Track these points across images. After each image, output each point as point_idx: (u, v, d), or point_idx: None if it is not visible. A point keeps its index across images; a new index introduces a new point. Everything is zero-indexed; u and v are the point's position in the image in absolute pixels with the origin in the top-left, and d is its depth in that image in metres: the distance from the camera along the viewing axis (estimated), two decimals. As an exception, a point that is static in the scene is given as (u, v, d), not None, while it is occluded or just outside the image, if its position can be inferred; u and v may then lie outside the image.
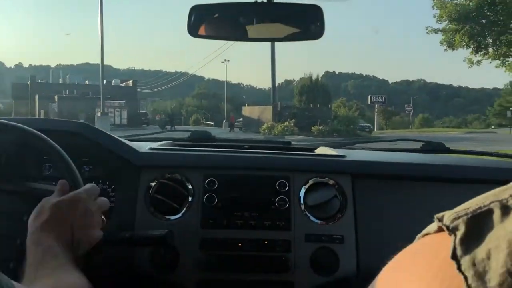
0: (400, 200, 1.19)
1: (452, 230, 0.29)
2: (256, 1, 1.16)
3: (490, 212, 0.29)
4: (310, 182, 1.19)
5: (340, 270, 1.13)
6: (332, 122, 26.80)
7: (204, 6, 1.23)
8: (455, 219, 0.30)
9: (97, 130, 1.24)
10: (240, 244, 1.13)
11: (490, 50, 19.39)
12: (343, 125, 25.99)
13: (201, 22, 1.20)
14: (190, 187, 1.18)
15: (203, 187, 1.17)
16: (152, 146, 1.29)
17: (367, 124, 36.23)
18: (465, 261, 0.28)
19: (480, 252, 0.27)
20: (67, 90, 40.59)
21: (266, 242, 1.14)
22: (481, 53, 19.43)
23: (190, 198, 1.17)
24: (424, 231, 0.33)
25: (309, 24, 1.20)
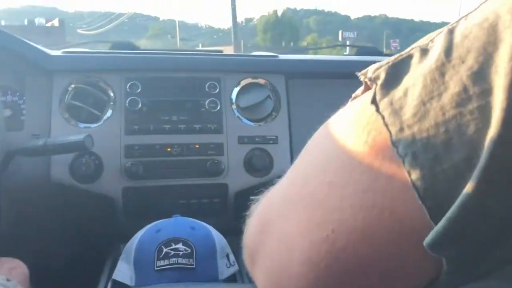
0: (333, 99, 1.16)
1: (374, 80, 0.29)
2: None
3: (410, 57, 0.28)
4: (242, 83, 1.13)
5: (274, 170, 1.10)
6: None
7: None
8: (377, 69, 0.29)
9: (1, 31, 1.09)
10: (169, 149, 1.07)
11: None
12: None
13: None
14: (110, 91, 1.08)
15: (125, 91, 1.08)
16: (67, 50, 1.15)
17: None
18: (383, 102, 0.27)
19: (397, 92, 0.27)
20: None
21: (197, 146, 1.08)
22: None
23: (111, 103, 1.07)
24: (353, 95, 0.32)
25: None
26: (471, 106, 0.24)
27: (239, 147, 1.10)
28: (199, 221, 0.98)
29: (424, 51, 0.28)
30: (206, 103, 1.10)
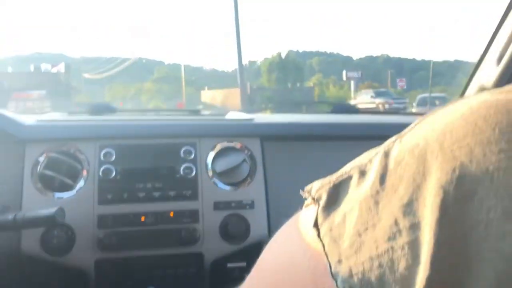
0: (310, 161, 1.17)
1: (317, 200, 0.30)
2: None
3: (350, 178, 0.29)
4: (218, 147, 1.13)
5: (251, 236, 1.08)
6: (319, 105, 23.06)
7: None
8: (319, 189, 0.30)
9: None
10: (143, 218, 1.05)
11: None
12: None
13: None
14: (84, 160, 1.07)
15: (99, 159, 1.07)
16: (40, 118, 1.15)
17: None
18: (324, 228, 0.28)
19: (337, 217, 0.28)
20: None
21: (171, 214, 1.06)
22: None
23: (84, 172, 1.06)
24: (306, 202, 0.33)
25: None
26: (401, 241, 0.24)
27: (214, 213, 1.08)
28: None
29: (362, 173, 0.29)
30: (181, 169, 1.09)
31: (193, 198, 1.08)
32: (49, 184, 1.04)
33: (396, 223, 0.25)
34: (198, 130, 1.15)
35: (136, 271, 1.04)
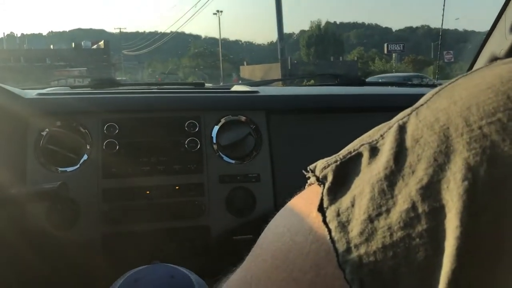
0: (315, 134, 1.15)
1: (322, 181, 0.27)
2: None
3: (359, 156, 0.26)
4: (222, 120, 1.11)
5: (257, 210, 1.07)
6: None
7: None
8: (324, 168, 0.27)
9: None
10: (148, 192, 1.04)
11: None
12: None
13: None
14: (87, 134, 1.05)
15: (102, 133, 1.05)
16: (41, 92, 1.13)
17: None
18: (330, 211, 0.25)
19: (345, 200, 0.25)
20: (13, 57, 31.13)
21: (177, 187, 1.05)
22: None
23: (88, 146, 1.05)
24: (309, 181, 0.30)
25: None
26: (419, 228, 0.22)
27: (220, 186, 1.07)
28: (179, 268, 0.95)
29: (374, 150, 0.26)
30: (186, 142, 1.07)
31: (198, 172, 1.07)
32: (53, 158, 1.03)
33: (414, 207, 0.22)
34: (202, 103, 1.13)
35: (142, 244, 1.04)
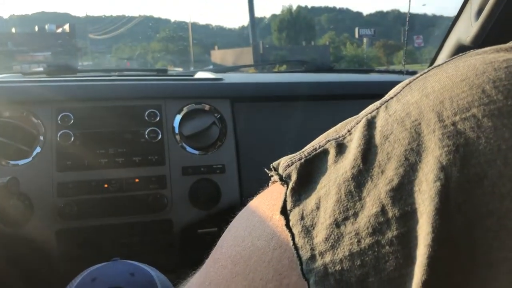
0: (282, 122, 1.12)
1: (285, 180, 0.25)
2: None
3: (325, 153, 0.24)
4: (185, 109, 1.06)
5: (222, 202, 1.04)
6: (337, 65, 19.32)
7: None
8: (288, 166, 0.25)
9: None
10: (106, 185, 0.99)
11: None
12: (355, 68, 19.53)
13: None
14: (40, 125, 0.99)
15: (56, 123, 0.99)
16: None
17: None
18: (294, 214, 0.23)
19: (309, 202, 0.23)
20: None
21: (137, 180, 1.01)
22: None
23: (41, 138, 0.99)
24: (272, 178, 0.28)
25: None
26: (389, 234, 0.20)
27: (183, 178, 1.03)
28: (140, 265, 0.91)
29: (340, 147, 0.23)
30: (146, 132, 1.03)
31: (160, 163, 1.02)
32: (3, 151, 0.97)
33: (383, 211, 0.20)
34: (163, 91, 1.08)
35: (101, 241, 0.99)
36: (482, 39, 1.07)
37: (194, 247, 1.04)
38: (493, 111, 0.19)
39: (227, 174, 1.05)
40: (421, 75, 0.24)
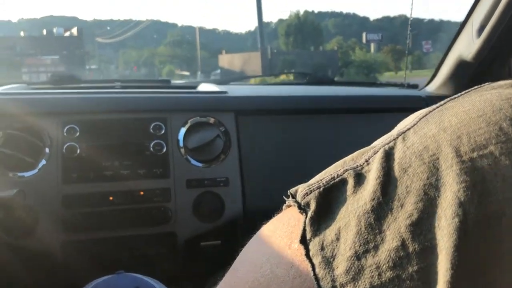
0: (285, 135, 1.13)
1: (304, 208, 0.24)
2: None
3: (344, 182, 0.24)
4: (190, 122, 1.07)
5: (225, 214, 1.05)
6: (346, 70, 19.25)
7: None
8: (306, 194, 0.25)
9: None
10: (111, 198, 1.00)
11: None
12: (363, 75, 18.30)
13: None
14: (45, 137, 1.00)
15: (62, 136, 1.00)
16: None
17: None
18: (314, 244, 0.23)
19: (329, 232, 0.23)
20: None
21: (141, 192, 1.02)
22: None
23: (47, 150, 0.99)
24: (288, 202, 0.27)
25: None
26: (410, 269, 0.20)
27: (187, 191, 1.04)
28: (144, 278, 0.92)
29: (359, 177, 0.24)
30: (151, 145, 1.03)
31: (164, 176, 1.03)
32: (9, 163, 0.97)
33: (403, 245, 0.21)
34: (168, 105, 1.09)
35: (106, 253, 1.00)
36: (484, 56, 1.08)
37: (197, 260, 1.05)
38: (510, 149, 0.19)
39: (230, 187, 1.06)
40: (437, 107, 0.24)
